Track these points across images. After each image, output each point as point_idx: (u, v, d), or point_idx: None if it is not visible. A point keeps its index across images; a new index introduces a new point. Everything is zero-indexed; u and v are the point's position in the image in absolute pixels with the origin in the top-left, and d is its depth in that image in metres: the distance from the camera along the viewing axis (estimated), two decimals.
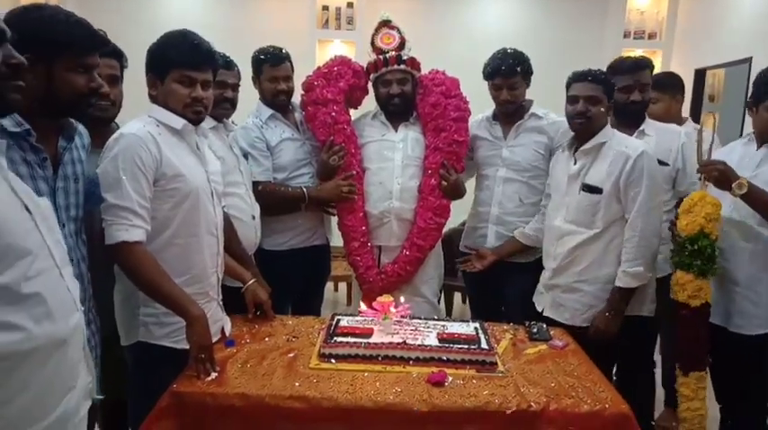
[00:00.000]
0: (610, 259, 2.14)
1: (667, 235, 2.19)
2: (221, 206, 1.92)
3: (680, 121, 2.80)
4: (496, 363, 1.74)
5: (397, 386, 1.59)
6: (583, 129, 2.16)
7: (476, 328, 1.94)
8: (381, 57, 2.45)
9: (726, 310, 2.06)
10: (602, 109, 2.14)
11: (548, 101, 2.58)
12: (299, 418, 1.51)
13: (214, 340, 1.73)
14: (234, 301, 2.04)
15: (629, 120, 2.40)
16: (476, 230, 2.68)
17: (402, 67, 2.45)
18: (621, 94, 2.34)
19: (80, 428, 1.21)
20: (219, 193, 1.89)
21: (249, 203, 2.30)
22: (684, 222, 1.97)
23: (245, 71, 2.46)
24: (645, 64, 2.43)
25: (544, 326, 2.07)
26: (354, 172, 2.48)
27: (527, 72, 2.48)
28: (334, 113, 2.44)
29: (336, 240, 2.75)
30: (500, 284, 2.53)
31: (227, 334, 1.91)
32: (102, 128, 1.86)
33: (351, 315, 2.05)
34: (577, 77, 2.16)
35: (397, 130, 2.53)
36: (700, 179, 2.03)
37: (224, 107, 2.25)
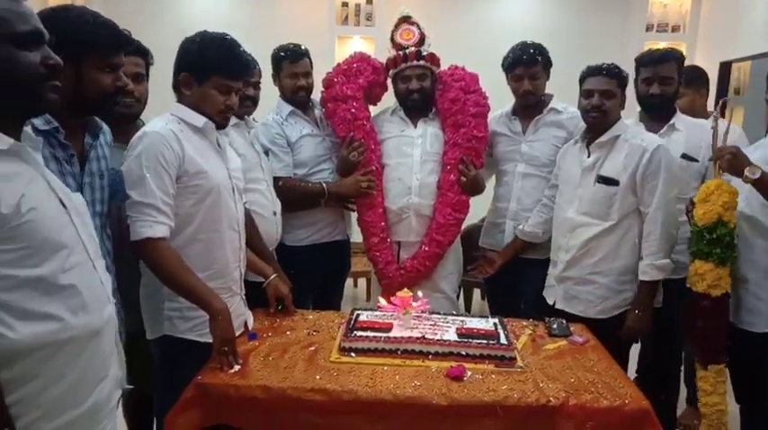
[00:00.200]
0: (624, 251, 2.17)
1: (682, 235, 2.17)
2: (242, 202, 1.95)
3: (705, 115, 2.76)
4: (515, 359, 1.74)
5: (417, 380, 1.61)
6: (597, 123, 2.18)
7: (495, 324, 1.95)
8: (401, 52, 2.46)
9: (735, 306, 2.02)
10: (617, 102, 2.17)
11: (570, 95, 2.55)
12: (319, 410, 1.53)
13: (237, 334, 1.76)
14: (256, 296, 2.07)
15: (656, 114, 2.35)
16: (495, 226, 2.69)
17: (421, 62, 2.46)
18: (643, 86, 2.32)
19: (111, 417, 1.25)
20: (240, 190, 1.92)
21: (270, 199, 2.33)
22: (702, 211, 1.94)
23: (266, 69, 2.49)
24: (668, 56, 2.35)
25: (564, 322, 2.07)
26: (374, 167, 2.49)
27: (547, 63, 2.48)
28: (353, 110, 2.46)
29: (356, 236, 2.77)
30: (517, 281, 2.53)
31: (250, 328, 1.94)
32: (127, 124, 1.91)
33: (370, 309, 2.07)
34: (592, 71, 2.18)
35: (416, 126, 2.54)
36: (715, 167, 2.00)
37: (246, 105, 2.28)
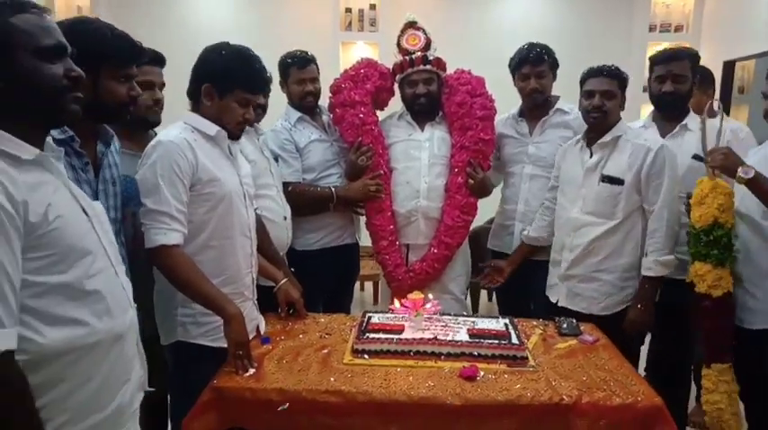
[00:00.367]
0: (628, 249, 2.20)
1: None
2: (253, 208, 1.97)
3: (711, 115, 2.77)
4: (527, 358, 1.76)
5: (430, 380, 1.62)
6: (598, 123, 2.21)
7: (506, 324, 1.96)
8: (407, 57, 2.49)
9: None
10: (617, 103, 2.20)
11: (573, 96, 2.56)
12: (335, 412, 1.55)
13: (250, 338, 1.78)
14: (267, 300, 2.09)
15: (669, 113, 2.35)
16: (503, 228, 2.71)
17: (428, 67, 2.48)
18: (656, 84, 2.32)
19: (133, 420, 1.28)
20: (251, 196, 1.95)
21: (281, 204, 2.36)
22: (698, 214, 1.96)
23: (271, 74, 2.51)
24: (681, 54, 2.34)
25: (573, 321, 2.08)
26: (382, 171, 2.51)
27: (554, 63, 2.51)
28: (361, 115, 2.48)
29: (363, 240, 2.79)
30: (526, 282, 2.54)
31: (262, 332, 1.96)
32: (140, 132, 1.96)
33: (382, 312, 2.09)
34: (593, 73, 2.22)
35: (423, 130, 2.56)
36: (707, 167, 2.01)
37: (256, 112, 2.30)
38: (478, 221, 2.77)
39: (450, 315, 2.05)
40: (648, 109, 4.70)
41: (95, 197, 1.54)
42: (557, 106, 2.55)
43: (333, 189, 2.51)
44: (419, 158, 2.53)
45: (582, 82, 2.26)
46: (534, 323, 2.11)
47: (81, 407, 1.09)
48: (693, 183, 2.07)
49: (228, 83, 1.73)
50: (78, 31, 1.38)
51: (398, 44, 2.52)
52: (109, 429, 1.16)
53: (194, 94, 1.78)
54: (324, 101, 2.67)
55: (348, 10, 4.79)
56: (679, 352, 2.42)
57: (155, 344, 1.84)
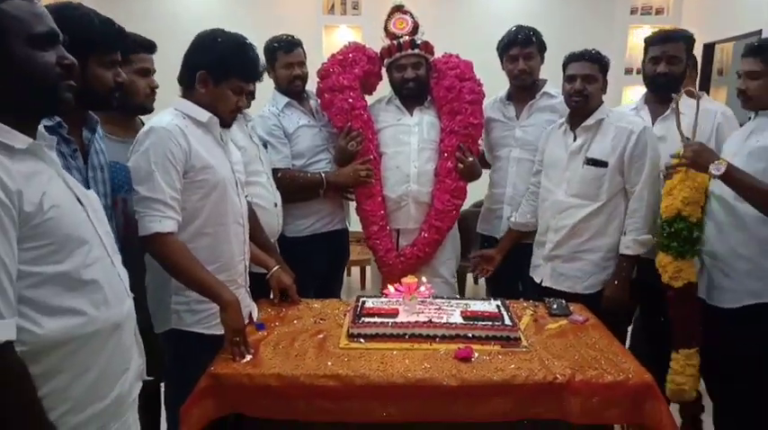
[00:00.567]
0: (611, 229, 2.26)
1: None
2: (245, 195, 1.97)
3: (692, 96, 2.80)
4: (520, 339, 1.79)
5: (426, 362, 1.64)
6: (579, 107, 2.24)
7: (498, 306, 1.99)
8: (395, 42, 2.48)
9: (706, 283, 2.07)
10: (599, 87, 2.23)
11: (557, 80, 2.58)
12: (333, 396, 1.57)
13: None
14: (259, 287, 2.10)
15: (662, 94, 2.33)
16: (491, 212, 2.74)
17: (416, 51, 2.47)
18: (650, 65, 2.33)
19: (133, 409, 1.28)
20: (243, 183, 1.94)
21: (271, 191, 2.35)
22: (665, 204, 2.00)
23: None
24: (676, 35, 2.34)
25: (563, 302, 2.12)
26: (372, 156, 2.51)
27: (541, 46, 2.53)
28: (350, 100, 2.47)
29: (352, 226, 2.80)
30: (516, 265, 2.56)
31: (255, 319, 1.96)
32: (130, 118, 1.94)
33: (375, 296, 2.11)
34: (574, 57, 2.25)
35: (412, 114, 2.57)
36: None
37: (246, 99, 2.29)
38: (465, 205, 2.78)
39: (443, 298, 2.08)
40: (631, 91, 4.82)
41: (86, 184, 1.52)
42: (544, 89, 2.57)
43: (323, 175, 2.50)
44: (408, 143, 2.53)
45: (564, 66, 2.29)
46: (525, 304, 2.15)
47: (81, 396, 1.09)
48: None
49: (225, 70, 1.72)
50: (66, 17, 1.36)
51: (385, 28, 2.51)
52: (109, 418, 1.16)
53: (187, 81, 1.76)
54: (310, 85, 2.65)
55: None
56: (663, 331, 2.47)
57: (148, 333, 1.83)
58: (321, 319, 1.99)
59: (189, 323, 1.79)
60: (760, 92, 1.93)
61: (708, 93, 3.71)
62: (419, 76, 2.50)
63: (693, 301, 2.04)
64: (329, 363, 1.64)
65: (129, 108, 1.88)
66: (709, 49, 4.31)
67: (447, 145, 2.49)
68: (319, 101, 2.58)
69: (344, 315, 2.00)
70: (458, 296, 2.27)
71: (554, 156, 2.36)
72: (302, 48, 2.57)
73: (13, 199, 0.97)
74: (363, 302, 2.00)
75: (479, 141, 2.59)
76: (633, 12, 4.80)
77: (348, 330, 1.82)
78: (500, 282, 2.67)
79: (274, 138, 2.48)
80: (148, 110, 1.94)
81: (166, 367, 1.85)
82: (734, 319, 1.99)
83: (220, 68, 1.72)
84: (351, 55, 2.53)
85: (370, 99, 2.68)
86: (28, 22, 1.04)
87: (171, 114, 1.72)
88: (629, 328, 2.57)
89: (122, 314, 1.19)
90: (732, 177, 1.85)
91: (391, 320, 1.83)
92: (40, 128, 1.14)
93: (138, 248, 1.73)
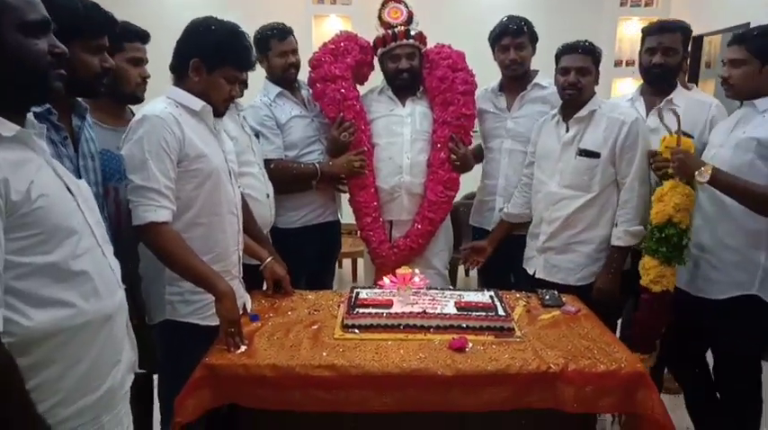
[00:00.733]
0: (603, 221, 2.27)
1: None
2: (238, 186, 1.96)
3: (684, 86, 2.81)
4: (514, 329, 1.80)
5: (421, 353, 1.65)
6: (573, 99, 2.25)
7: (491, 297, 2.00)
8: (390, 31, 2.46)
9: (691, 274, 2.10)
10: (592, 79, 2.24)
11: (547, 70, 2.58)
12: (329, 386, 1.57)
13: None
14: (252, 279, 2.09)
15: (657, 85, 2.34)
16: (483, 204, 2.74)
17: (411, 41, 2.46)
18: (646, 56, 2.31)
19: (125, 402, 1.26)
20: (236, 173, 1.93)
21: (263, 182, 2.33)
22: (655, 210, 2.02)
23: None
24: (673, 26, 2.31)
25: (556, 292, 2.14)
26: (365, 148, 2.50)
27: (533, 36, 2.53)
28: (343, 90, 2.46)
29: (344, 218, 2.80)
30: (508, 257, 2.57)
31: (249, 310, 1.96)
32: (121, 106, 1.93)
33: (369, 288, 2.11)
34: (568, 49, 2.25)
35: (404, 105, 2.56)
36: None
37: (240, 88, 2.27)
38: (456, 197, 2.78)
39: (436, 289, 2.08)
40: (620, 83, 4.83)
41: (77, 173, 1.50)
42: (535, 81, 2.57)
43: (317, 165, 2.49)
44: (401, 134, 2.53)
45: (557, 58, 2.28)
46: (517, 295, 2.16)
47: (72, 388, 1.08)
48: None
49: (219, 59, 1.70)
50: (49, 2, 1.34)
51: (380, 17, 2.48)
52: (101, 411, 1.15)
53: (179, 69, 1.74)
54: (302, 75, 2.63)
55: None
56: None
57: (141, 324, 1.82)
58: (315, 310, 1.99)
59: (183, 314, 1.79)
60: (741, 80, 1.96)
61: (696, 85, 3.73)
62: (413, 66, 2.49)
63: (665, 311, 2.06)
64: (324, 354, 1.64)
65: (119, 96, 1.86)
66: (697, 41, 4.34)
67: (440, 136, 2.49)
68: (311, 91, 2.56)
69: (338, 306, 2.00)
70: (451, 287, 2.27)
71: (547, 147, 2.37)
72: (294, 36, 2.56)
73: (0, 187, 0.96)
74: (357, 293, 2.00)
75: (472, 132, 2.59)
76: (623, 4, 4.82)
77: (343, 321, 1.82)
78: (491, 273, 2.68)
79: (266, 129, 2.47)
80: (139, 99, 1.92)
81: (160, 358, 1.85)
82: (719, 310, 2.01)
83: (215, 56, 1.70)
84: (343, 44, 2.52)
85: (362, 89, 2.67)
86: (21, 9, 1.02)
87: (164, 102, 1.70)
88: (619, 322, 2.59)
89: (114, 305, 1.17)
90: (718, 182, 1.87)
91: (386, 311, 1.83)
92: (30, 116, 1.12)
93: (131, 238, 1.71)
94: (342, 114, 2.47)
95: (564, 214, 2.28)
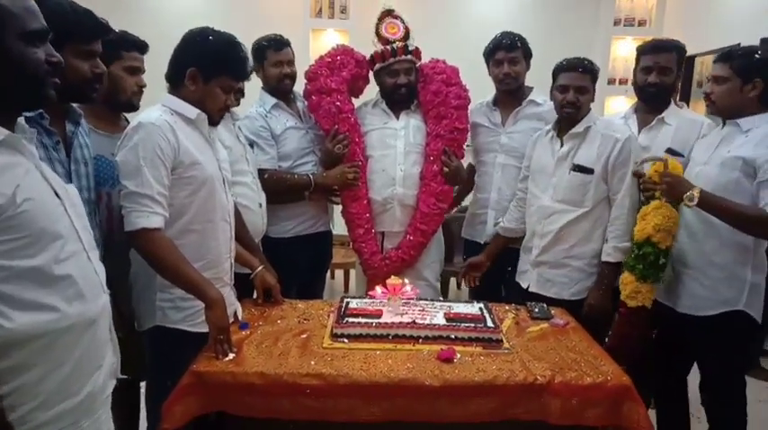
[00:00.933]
0: (596, 236, 2.28)
1: None
2: (231, 194, 1.97)
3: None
4: (502, 341, 1.81)
5: (409, 363, 1.66)
6: (570, 117, 2.27)
7: (480, 308, 2.01)
8: (389, 47, 2.48)
9: (674, 291, 2.12)
10: (590, 97, 2.27)
11: (541, 86, 2.60)
12: (316, 394, 1.57)
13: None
14: (242, 287, 2.09)
15: (652, 104, 2.36)
16: (476, 217, 2.76)
17: (409, 57, 2.49)
18: (641, 74, 2.33)
19: (105, 407, 1.25)
20: (229, 181, 1.95)
21: (256, 191, 2.35)
22: (637, 228, 2.06)
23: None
24: (669, 46, 2.33)
25: (545, 305, 2.15)
26: (359, 161, 2.53)
27: (527, 51, 2.56)
28: (338, 103, 2.49)
29: (336, 228, 2.81)
30: (500, 269, 2.59)
31: (240, 318, 1.96)
32: (116, 113, 1.95)
33: (360, 297, 2.12)
34: (568, 67, 2.26)
35: (398, 118, 2.58)
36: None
37: (235, 97, 2.28)
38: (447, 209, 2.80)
39: (426, 300, 2.10)
40: (613, 102, 4.89)
41: (68, 177, 1.51)
42: (530, 97, 2.61)
43: (311, 176, 2.51)
44: (395, 146, 2.55)
45: (555, 74, 2.30)
46: (507, 307, 2.17)
47: (52, 392, 1.07)
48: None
49: (216, 68, 1.72)
50: (39, 7, 1.36)
51: (377, 32, 2.51)
52: (81, 415, 1.14)
53: (175, 78, 1.76)
54: (298, 88, 2.66)
55: None
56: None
57: (129, 330, 1.82)
58: (305, 319, 1.99)
59: (174, 320, 1.79)
60: (723, 97, 2.00)
61: (687, 104, 3.78)
62: (410, 81, 2.52)
63: (641, 325, 2.09)
64: (312, 363, 1.64)
65: (114, 104, 1.89)
66: (689, 61, 4.40)
67: (433, 149, 2.52)
68: (307, 103, 2.59)
69: (328, 315, 2.01)
70: (441, 298, 2.28)
71: (541, 161, 2.39)
72: (291, 48, 2.59)
73: None
74: (348, 303, 2.01)
75: (465, 146, 2.62)
76: (616, 23, 4.89)
77: (332, 330, 1.83)
78: (482, 286, 2.68)
79: (261, 139, 2.49)
80: (135, 107, 1.94)
81: (148, 365, 1.85)
82: (706, 327, 2.03)
83: (211, 66, 1.72)
84: (339, 58, 2.55)
85: (356, 101, 2.69)
86: (23, 18, 1.04)
87: (159, 110, 1.72)
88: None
89: (97, 309, 1.17)
90: (707, 204, 1.89)
91: (375, 321, 1.84)
92: (21, 120, 1.13)
93: (122, 244, 1.72)
94: (336, 127, 2.50)
95: (556, 227, 2.30)
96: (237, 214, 2.13)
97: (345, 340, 1.78)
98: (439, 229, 2.65)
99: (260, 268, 2.12)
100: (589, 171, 2.24)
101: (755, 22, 3.63)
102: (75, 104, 1.60)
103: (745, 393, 2.07)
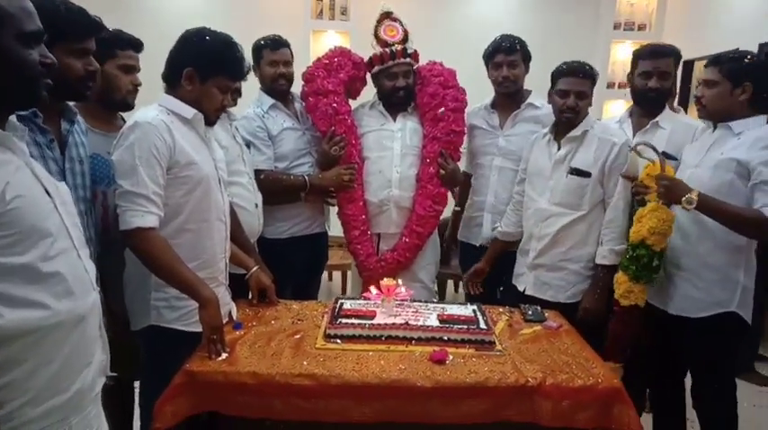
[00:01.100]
0: (592, 239, 2.30)
1: None
2: (227, 194, 1.98)
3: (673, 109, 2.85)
4: (494, 343, 1.82)
5: (401, 364, 1.67)
6: (569, 122, 2.28)
7: (474, 310, 2.02)
8: (388, 50, 2.49)
9: (666, 293, 2.12)
10: (588, 102, 2.28)
11: (540, 90, 2.61)
12: (308, 394, 1.58)
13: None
14: (237, 288, 2.10)
15: (650, 109, 2.37)
16: (472, 220, 2.77)
17: (408, 60, 2.50)
18: (641, 79, 2.34)
19: (95, 403, 1.25)
20: (225, 181, 1.95)
21: (252, 192, 2.35)
22: (633, 230, 2.07)
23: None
24: (668, 51, 2.35)
25: (538, 308, 2.16)
26: (356, 163, 2.53)
27: (526, 55, 2.57)
28: (335, 104, 2.49)
29: (332, 230, 2.81)
30: (496, 273, 2.59)
31: (234, 318, 1.97)
32: (112, 112, 1.96)
33: (354, 298, 2.13)
34: (568, 72, 2.26)
35: (395, 120, 2.59)
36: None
37: (232, 97, 2.29)
38: (444, 213, 2.80)
39: (420, 301, 2.10)
40: (612, 105, 4.89)
41: (62, 175, 1.52)
42: (528, 100, 2.61)
43: (306, 178, 2.52)
44: (391, 148, 2.55)
45: (554, 78, 2.30)
46: (501, 310, 2.18)
47: (41, 389, 1.07)
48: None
49: (212, 68, 1.73)
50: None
51: (376, 35, 2.52)
52: (70, 412, 1.14)
53: (172, 77, 1.76)
54: (296, 88, 2.67)
55: None
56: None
57: (122, 331, 1.82)
58: (299, 320, 2.00)
59: (168, 319, 1.80)
60: (713, 100, 2.01)
61: (686, 109, 3.79)
62: (409, 84, 2.53)
63: (634, 324, 2.09)
64: (305, 363, 1.65)
65: (109, 103, 1.89)
66: (688, 66, 4.40)
67: (429, 151, 2.52)
68: (304, 104, 2.60)
69: (322, 316, 2.02)
70: (435, 300, 2.29)
71: (538, 165, 2.40)
72: (290, 49, 2.60)
73: None
74: (342, 304, 2.02)
75: (461, 149, 2.62)
76: (616, 27, 4.89)
77: (325, 331, 1.84)
78: (485, 291, 2.68)
79: (258, 140, 2.50)
80: (129, 106, 1.94)
81: (142, 364, 1.85)
82: (699, 329, 2.04)
83: (208, 66, 1.73)
84: (336, 59, 2.56)
85: (353, 103, 2.70)
86: (20, 18, 1.05)
87: (156, 110, 1.73)
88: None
89: (87, 306, 1.17)
90: (705, 207, 1.90)
91: (368, 322, 1.85)
92: (12, 118, 1.13)
93: (118, 242, 1.73)
94: (333, 128, 2.51)
95: (553, 230, 2.31)
96: (233, 214, 2.14)
97: (338, 341, 1.79)
98: (435, 232, 2.66)
99: (255, 268, 2.13)
100: (586, 174, 2.25)
101: (755, 27, 3.64)
102: (70, 103, 1.61)
103: (735, 394, 2.08)
